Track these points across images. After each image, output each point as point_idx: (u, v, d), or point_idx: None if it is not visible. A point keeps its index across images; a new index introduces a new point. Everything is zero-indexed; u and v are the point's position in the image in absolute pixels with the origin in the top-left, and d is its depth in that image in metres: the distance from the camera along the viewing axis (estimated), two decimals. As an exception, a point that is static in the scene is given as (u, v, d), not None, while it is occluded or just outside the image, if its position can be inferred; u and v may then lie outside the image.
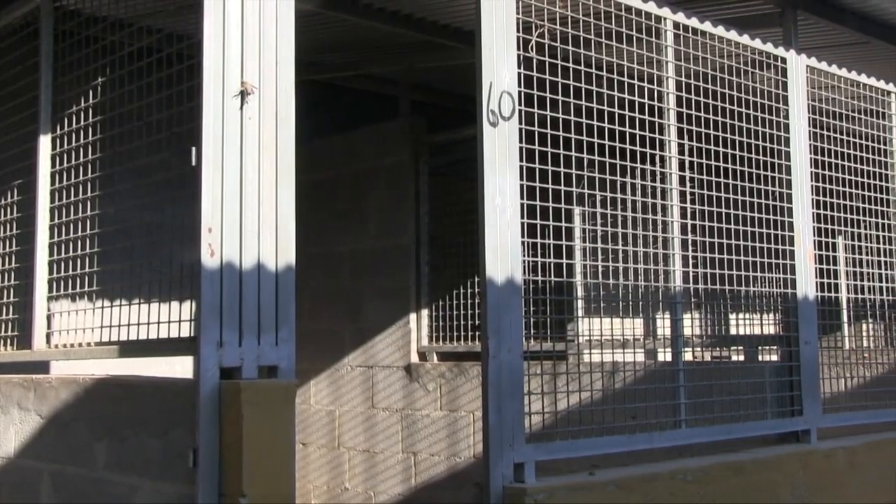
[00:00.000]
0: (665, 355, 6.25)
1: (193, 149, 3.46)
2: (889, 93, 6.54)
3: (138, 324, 3.93)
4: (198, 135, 3.45)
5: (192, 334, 3.51)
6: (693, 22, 5.16)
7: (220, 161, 3.46)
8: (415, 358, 7.44)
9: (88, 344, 4.25)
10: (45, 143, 4.58)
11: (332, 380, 7.95)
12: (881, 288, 6.49)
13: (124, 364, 4.17)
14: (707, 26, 5.25)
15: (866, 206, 6.26)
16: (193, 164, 3.46)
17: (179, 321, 3.65)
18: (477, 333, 6.98)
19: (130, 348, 3.98)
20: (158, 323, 3.80)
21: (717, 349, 7.65)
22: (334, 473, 7.88)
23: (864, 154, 6.24)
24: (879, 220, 6.41)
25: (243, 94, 3.52)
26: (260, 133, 3.57)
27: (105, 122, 4.28)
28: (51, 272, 4.52)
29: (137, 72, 4.06)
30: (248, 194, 3.52)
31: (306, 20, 6.20)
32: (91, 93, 4.37)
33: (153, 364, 4.18)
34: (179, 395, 3.54)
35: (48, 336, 4.54)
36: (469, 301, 7.25)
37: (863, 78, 6.31)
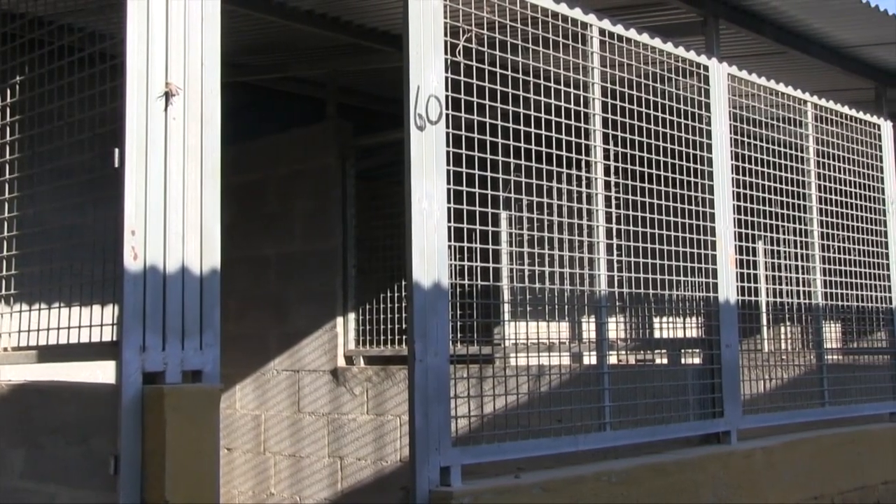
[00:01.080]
0: (590, 359, 6.33)
1: (116, 150, 3.39)
2: (805, 101, 6.73)
3: (58, 328, 3.83)
4: (121, 136, 3.39)
5: (114, 339, 3.44)
6: (618, 29, 5.24)
7: (143, 163, 3.40)
8: (341, 362, 7.41)
9: (5, 349, 4.13)
10: (-41, 143, 4.45)
11: (257, 384, 7.87)
12: (798, 292, 6.67)
13: (44, 370, 4.07)
14: (632, 33, 5.34)
15: (785, 211, 6.42)
16: (116, 165, 3.40)
17: (101, 325, 3.58)
18: (404, 337, 6.98)
19: (50, 353, 3.88)
20: (79, 327, 3.72)
21: (641, 352, 7.77)
22: (260, 479, 7.80)
23: (782, 161, 6.41)
24: (797, 226, 6.59)
25: (168, 95, 3.46)
26: (185, 135, 3.52)
27: (24, 121, 4.17)
28: (-35, 275, 4.39)
29: (58, 71, 3.97)
30: (173, 197, 3.47)
31: (233, 21, 6.13)
32: (9, 91, 4.25)
33: (74, 369, 4.09)
34: (100, 400, 3.47)
35: (-38, 341, 4.40)
36: (396, 305, 7.24)
37: (780, 87, 6.49)
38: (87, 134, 3.72)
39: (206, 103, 3.59)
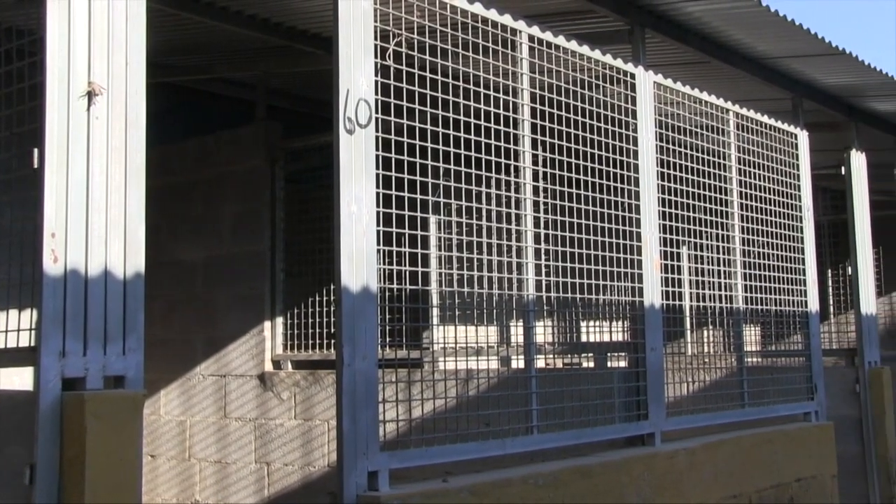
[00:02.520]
0: (518, 362, 6.38)
1: (35, 150, 3.31)
2: (727, 110, 6.89)
3: (-27, 333, 3.72)
4: (40, 136, 3.31)
5: (31, 344, 3.35)
6: (547, 36, 5.30)
7: (64, 164, 3.32)
8: (269, 366, 7.34)
9: (-83, 355, 4.00)
10: None
11: (183, 389, 7.75)
12: (721, 296, 6.81)
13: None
14: (561, 40, 5.39)
15: (708, 217, 6.56)
16: (35, 166, 3.31)
17: (18, 330, 3.49)
18: (332, 341, 6.94)
19: (-36, 359, 3.76)
20: (-5, 332, 3.62)
21: (569, 356, 7.85)
22: (184, 486, 7.67)
23: (705, 168, 6.55)
24: (720, 232, 6.73)
25: (90, 95, 3.39)
26: (108, 135, 3.45)
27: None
28: None
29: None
30: (95, 198, 3.40)
31: (160, 21, 6.03)
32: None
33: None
34: (16, 408, 3.37)
35: None
36: (325, 309, 7.20)
37: (704, 95, 6.63)
38: (4, 133, 3.62)
39: (131, 103, 3.52)
